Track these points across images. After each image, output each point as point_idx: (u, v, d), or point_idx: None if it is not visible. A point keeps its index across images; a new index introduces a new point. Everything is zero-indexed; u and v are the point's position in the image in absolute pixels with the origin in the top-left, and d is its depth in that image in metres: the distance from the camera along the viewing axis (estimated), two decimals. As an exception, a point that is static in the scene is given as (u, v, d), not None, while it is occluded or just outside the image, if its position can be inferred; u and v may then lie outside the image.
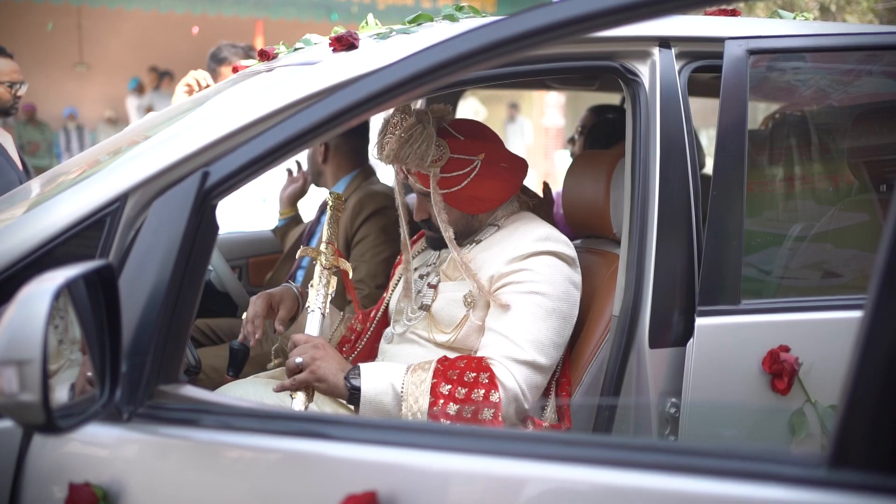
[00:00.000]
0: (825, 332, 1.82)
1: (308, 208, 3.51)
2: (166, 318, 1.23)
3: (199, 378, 2.42)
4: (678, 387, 1.77)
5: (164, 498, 1.21)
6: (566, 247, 1.97)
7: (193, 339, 3.02)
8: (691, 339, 1.76)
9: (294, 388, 1.82)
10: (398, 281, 2.23)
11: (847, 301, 1.87)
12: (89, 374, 1.16)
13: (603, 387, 1.86)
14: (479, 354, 1.89)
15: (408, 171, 2.03)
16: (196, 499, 1.20)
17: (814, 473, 0.90)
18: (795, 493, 0.91)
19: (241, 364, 2.38)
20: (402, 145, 1.95)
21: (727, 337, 1.79)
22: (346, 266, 2.16)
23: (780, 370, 1.77)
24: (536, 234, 1.96)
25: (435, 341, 1.99)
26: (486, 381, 1.79)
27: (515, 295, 1.91)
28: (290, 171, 3.45)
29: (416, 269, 2.19)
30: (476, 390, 1.79)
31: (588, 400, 1.92)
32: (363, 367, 1.84)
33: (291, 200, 3.45)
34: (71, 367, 1.18)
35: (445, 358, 1.87)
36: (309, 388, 1.85)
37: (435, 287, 2.05)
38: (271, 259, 3.53)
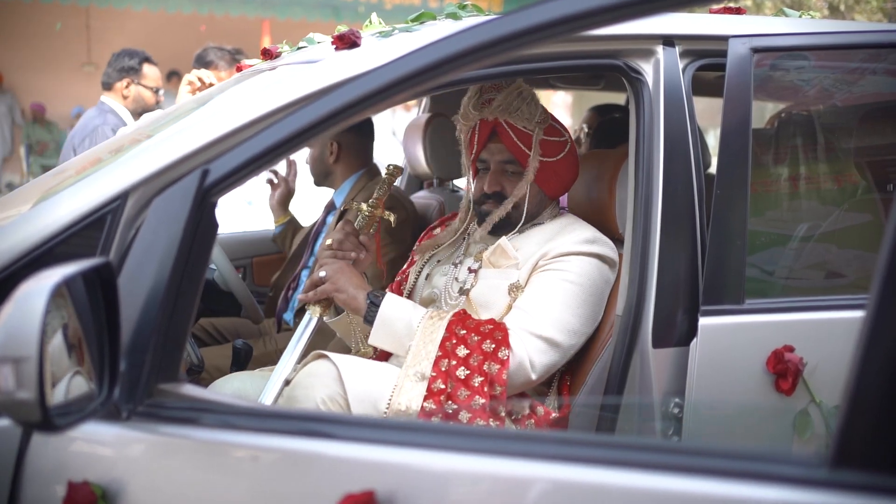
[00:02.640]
0: (830, 331, 1.81)
1: (306, 211, 3.51)
2: (166, 315, 1.23)
3: (202, 377, 2.42)
4: (681, 387, 1.76)
5: (164, 496, 1.20)
6: (611, 251, 2.02)
7: (197, 338, 3.02)
8: (695, 339, 1.75)
9: (315, 300, 1.96)
10: (420, 273, 2.23)
11: (852, 301, 1.85)
12: (88, 371, 1.16)
13: (606, 386, 1.86)
14: None
15: (502, 132, 2.05)
16: (195, 497, 1.19)
17: (815, 474, 0.90)
18: (797, 493, 0.90)
19: (244, 363, 2.39)
20: (516, 97, 2.03)
21: (731, 337, 1.78)
22: (390, 216, 2.17)
23: (785, 370, 1.75)
24: (584, 235, 2.01)
25: None
26: (500, 337, 1.84)
27: (548, 280, 1.96)
28: (270, 182, 3.43)
29: (440, 261, 2.21)
30: (487, 342, 1.83)
31: (592, 399, 1.92)
32: (389, 293, 1.96)
33: (282, 205, 3.43)
34: (68, 365, 1.18)
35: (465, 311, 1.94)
36: (325, 302, 1.99)
37: (476, 272, 2.06)
38: (276, 259, 3.53)
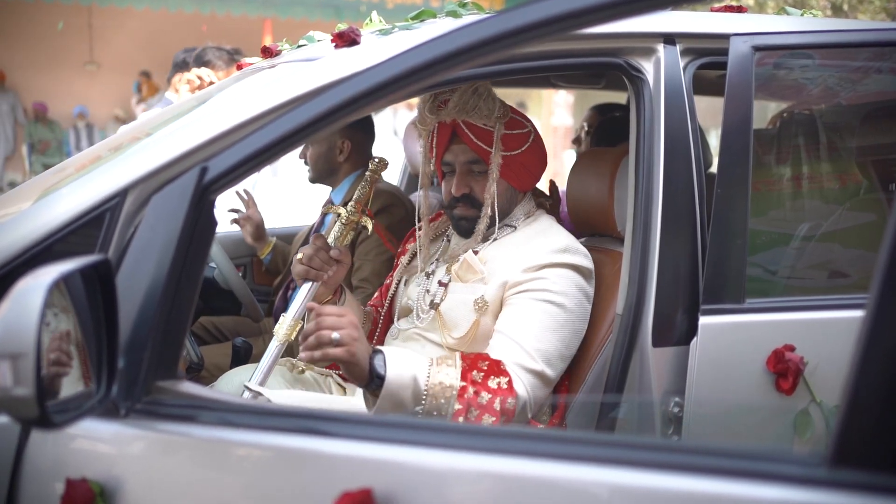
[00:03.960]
0: (831, 331, 1.81)
1: (296, 217, 3.43)
2: (164, 313, 1.22)
3: (202, 376, 2.43)
4: (681, 386, 1.76)
5: (162, 493, 1.20)
6: (585, 259, 1.97)
7: (198, 336, 3.02)
8: (695, 338, 1.75)
9: (324, 360, 1.69)
10: (401, 277, 2.21)
11: (853, 300, 1.85)
12: (86, 368, 1.16)
13: (606, 385, 1.85)
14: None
15: (462, 133, 2.00)
16: (193, 495, 1.19)
17: (814, 472, 0.89)
18: (795, 492, 0.90)
19: (244, 361, 2.39)
20: (472, 95, 1.97)
21: (731, 336, 1.78)
22: (368, 222, 2.14)
23: (785, 369, 1.75)
24: (556, 244, 1.96)
25: (446, 344, 1.98)
26: (506, 386, 1.79)
27: (529, 301, 1.90)
28: (236, 221, 3.28)
29: (417, 266, 2.18)
30: (498, 399, 1.76)
31: (591, 398, 1.91)
32: (386, 352, 1.75)
33: (259, 237, 3.28)
34: (67, 362, 1.18)
35: (465, 356, 1.83)
36: (293, 326, 1.93)
37: (446, 286, 2.04)
38: (276, 257, 3.51)
